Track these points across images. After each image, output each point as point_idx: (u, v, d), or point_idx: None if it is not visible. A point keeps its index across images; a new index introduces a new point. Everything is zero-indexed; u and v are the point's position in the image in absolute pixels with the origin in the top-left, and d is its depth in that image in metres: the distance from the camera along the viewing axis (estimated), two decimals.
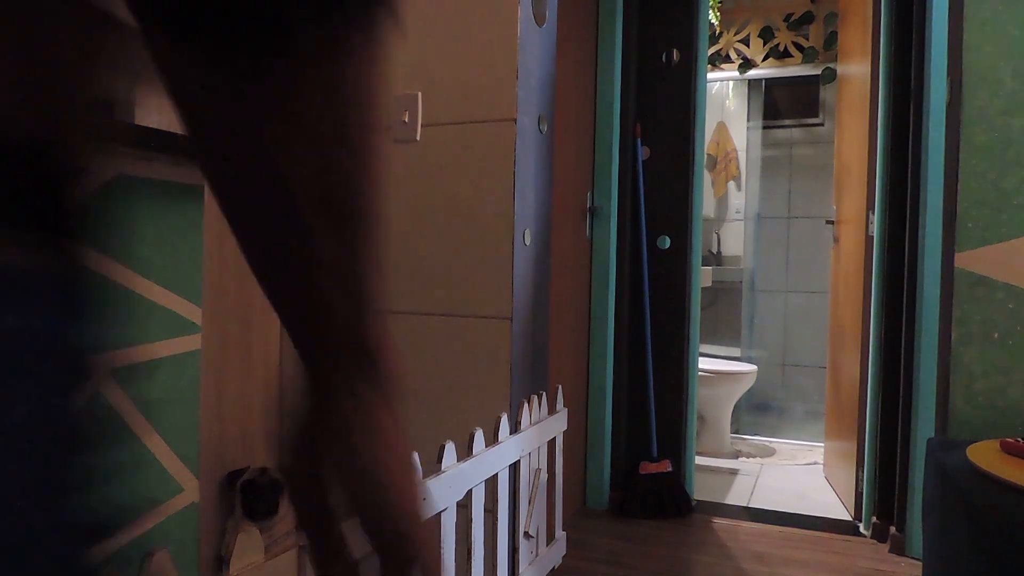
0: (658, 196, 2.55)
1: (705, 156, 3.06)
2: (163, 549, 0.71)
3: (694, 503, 2.52)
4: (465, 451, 1.36)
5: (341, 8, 0.27)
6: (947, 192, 1.94)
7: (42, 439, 0.24)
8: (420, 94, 1.68)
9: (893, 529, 2.17)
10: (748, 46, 3.98)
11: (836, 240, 2.94)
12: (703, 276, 3.28)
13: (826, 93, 3.98)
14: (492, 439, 1.46)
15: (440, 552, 1.21)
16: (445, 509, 1.21)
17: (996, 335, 1.84)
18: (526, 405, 1.61)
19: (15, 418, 0.22)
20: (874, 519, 2.25)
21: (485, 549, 1.43)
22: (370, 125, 0.30)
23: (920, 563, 2.00)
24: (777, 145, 4.14)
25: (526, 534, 1.61)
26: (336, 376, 0.32)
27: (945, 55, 1.95)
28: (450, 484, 1.22)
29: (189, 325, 1.15)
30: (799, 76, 3.98)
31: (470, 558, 1.34)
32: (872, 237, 2.31)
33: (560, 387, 1.89)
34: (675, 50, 2.53)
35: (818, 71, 3.89)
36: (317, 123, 0.28)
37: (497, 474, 1.44)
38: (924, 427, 2.00)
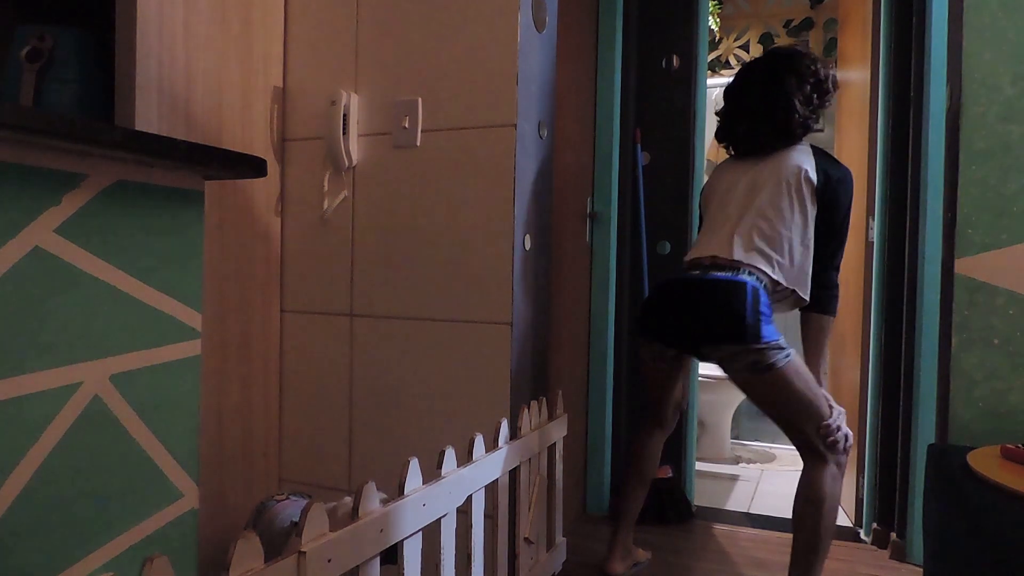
0: (658, 202, 2.55)
1: (705, 162, 3.06)
2: (162, 555, 0.71)
3: (694, 509, 2.52)
4: (465, 456, 1.36)
5: None
6: (947, 198, 1.94)
7: None
8: (420, 100, 1.69)
9: (894, 535, 2.16)
10: (748, 52, 3.99)
11: None
12: None
13: None
14: (492, 444, 1.46)
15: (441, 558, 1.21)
16: (445, 515, 1.21)
17: (996, 341, 1.84)
18: (526, 410, 1.60)
19: None
20: (875, 525, 2.25)
21: (485, 555, 1.42)
22: None
23: (921, 570, 1.99)
24: None
25: (526, 540, 1.61)
26: None
27: (944, 61, 1.95)
28: (450, 490, 1.22)
29: (189, 331, 1.15)
30: None
31: (470, 564, 1.34)
32: (872, 243, 2.31)
33: (560, 392, 1.88)
34: (675, 56, 2.54)
35: None
36: None
37: (497, 479, 1.44)
38: (924, 433, 2.00)
